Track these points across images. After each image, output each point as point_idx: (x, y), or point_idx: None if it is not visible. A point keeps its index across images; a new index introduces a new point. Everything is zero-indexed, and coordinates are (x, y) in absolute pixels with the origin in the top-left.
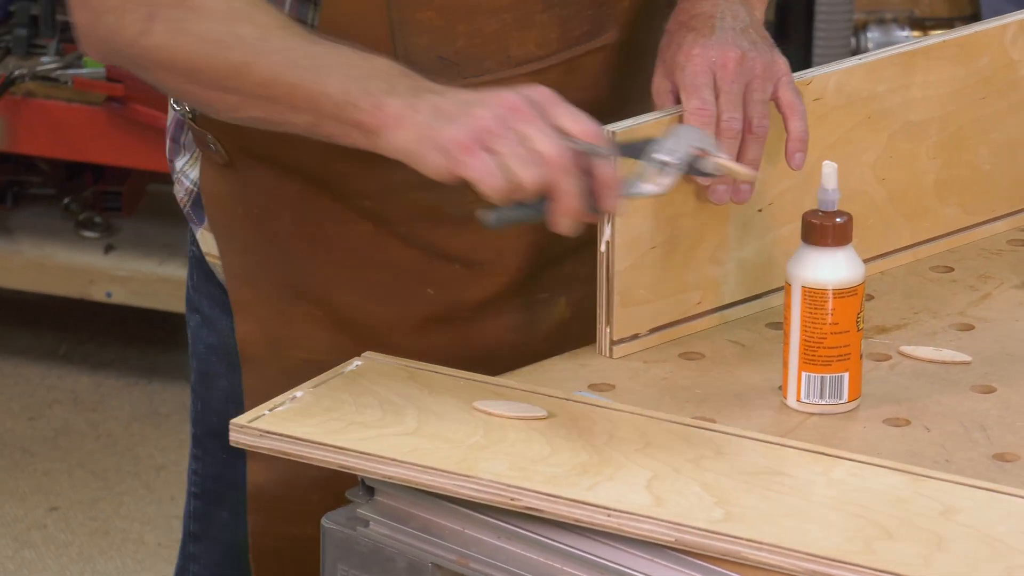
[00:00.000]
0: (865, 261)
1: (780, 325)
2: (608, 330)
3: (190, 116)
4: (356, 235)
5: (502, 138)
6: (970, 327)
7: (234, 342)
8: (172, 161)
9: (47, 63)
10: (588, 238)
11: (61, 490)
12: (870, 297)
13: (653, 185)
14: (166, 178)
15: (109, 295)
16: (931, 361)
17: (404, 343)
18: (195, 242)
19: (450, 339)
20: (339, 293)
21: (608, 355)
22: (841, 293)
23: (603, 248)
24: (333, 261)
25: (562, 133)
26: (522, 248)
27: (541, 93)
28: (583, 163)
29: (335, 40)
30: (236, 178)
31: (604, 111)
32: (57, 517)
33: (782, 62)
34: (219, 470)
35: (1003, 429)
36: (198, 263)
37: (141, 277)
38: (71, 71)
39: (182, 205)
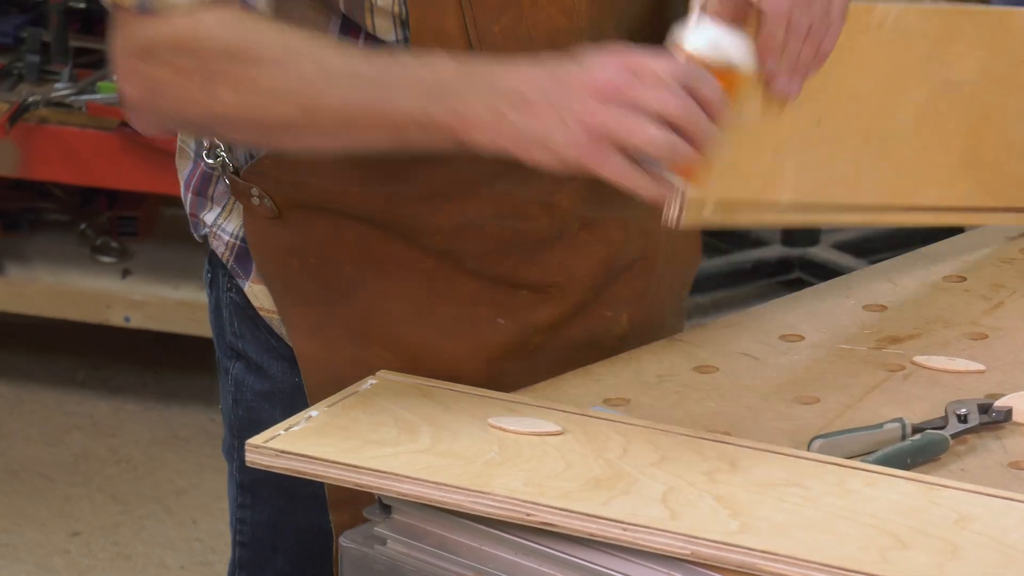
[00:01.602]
0: (887, 210)
1: (792, 337)
2: (678, 202)
3: (231, 170)
4: (421, 273)
5: (612, 123)
6: (983, 336)
7: (289, 384)
8: (197, 216)
9: (60, 89)
10: (643, 253)
11: (82, 515)
12: (882, 308)
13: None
14: (180, 202)
15: (127, 320)
16: (945, 371)
17: (476, 375)
18: (233, 289)
19: (521, 366)
20: (408, 332)
21: (674, 224)
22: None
23: None
24: (399, 301)
25: (658, 80)
26: (590, 267)
27: (611, 55)
28: (694, 95)
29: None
30: (288, 230)
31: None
32: (79, 542)
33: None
34: (272, 517)
35: (1018, 437)
36: (238, 309)
37: (158, 301)
38: (84, 97)
39: (224, 260)
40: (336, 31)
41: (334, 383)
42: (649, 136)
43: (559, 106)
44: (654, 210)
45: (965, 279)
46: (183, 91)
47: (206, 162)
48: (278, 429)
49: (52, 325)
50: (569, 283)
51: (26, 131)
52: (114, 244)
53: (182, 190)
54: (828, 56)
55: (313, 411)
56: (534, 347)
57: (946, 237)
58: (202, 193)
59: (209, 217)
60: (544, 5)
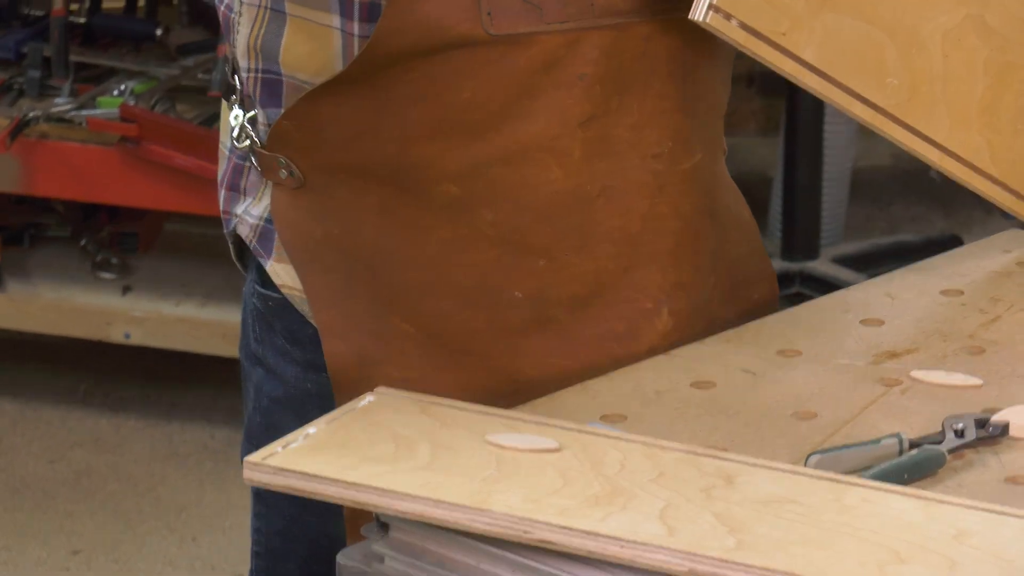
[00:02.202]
0: (898, 123)
1: (789, 352)
2: None
3: (259, 145)
4: (438, 239)
5: None
6: (981, 350)
7: (300, 390)
8: (228, 212)
9: (61, 104)
10: (684, 238)
11: (84, 532)
12: (880, 322)
13: None
14: (181, 218)
15: (127, 336)
16: (942, 385)
17: (500, 354)
18: (255, 295)
19: (547, 347)
20: (427, 302)
21: (703, 19)
22: None
23: None
24: (417, 269)
25: None
26: (610, 237)
27: None
28: None
29: None
30: (311, 199)
31: (687, 89)
32: (80, 560)
33: None
34: (285, 525)
35: (1015, 452)
36: (259, 315)
37: (159, 317)
38: (85, 112)
39: (248, 242)
40: None
41: (355, 355)
42: None
43: None
44: (686, 184)
45: (963, 293)
46: None
47: (236, 147)
48: (276, 446)
49: (53, 341)
50: (586, 252)
51: (27, 146)
52: (115, 260)
53: (218, 193)
54: None
55: (311, 428)
56: (557, 325)
57: (944, 251)
58: (234, 187)
59: (240, 208)
60: None
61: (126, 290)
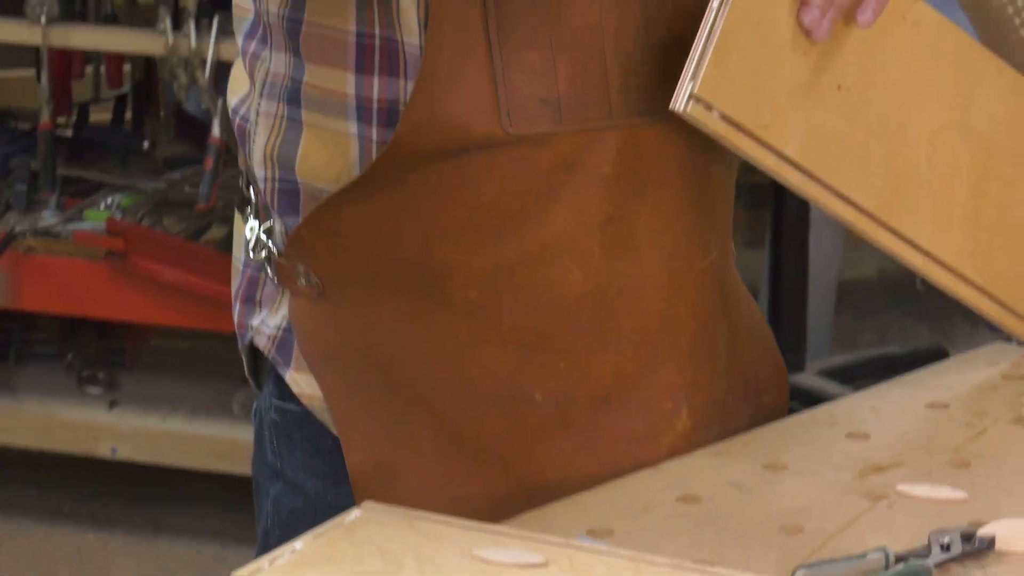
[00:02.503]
0: (880, 225)
1: (776, 466)
2: (692, 84)
3: (276, 255)
4: (458, 343)
5: None
6: (967, 464)
7: (322, 503)
8: (244, 325)
9: (48, 218)
10: (701, 337)
11: None
12: (866, 436)
13: None
14: (168, 332)
15: (114, 451)
16: (928, 499)
17: (521, 457)
18: (272, 408)
19: (569, 449)
20: (447, 406)
21: (683, 109)
22: None
23: (717, 2)
24: (437, 373)
25: None
26: (629, 338)
27: None
28: None
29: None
30: (329, 308)
31: (703, 188)
32: None
33: None
34: None
35: (1001, 565)
36: (276, 428)
37: (145, 432)
38: (72, 226)
39: (266, 352)
40: (353, 55)
41: (375, 463)
42: None
43: None
44: (702, 283)
45: (948, 406)
46: None
47: (251, 259)
48: (263, 561)
49: (39, 456)
50: (605, 352)
51: (13, 260)
52: (101, 375)
53: (233, 306)
54: (871, 19)
55: (298, 543)
56: (578, 427)
57: (930, 364)
58: (250, 299)
59: (256, 320)
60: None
61: (113, 405)
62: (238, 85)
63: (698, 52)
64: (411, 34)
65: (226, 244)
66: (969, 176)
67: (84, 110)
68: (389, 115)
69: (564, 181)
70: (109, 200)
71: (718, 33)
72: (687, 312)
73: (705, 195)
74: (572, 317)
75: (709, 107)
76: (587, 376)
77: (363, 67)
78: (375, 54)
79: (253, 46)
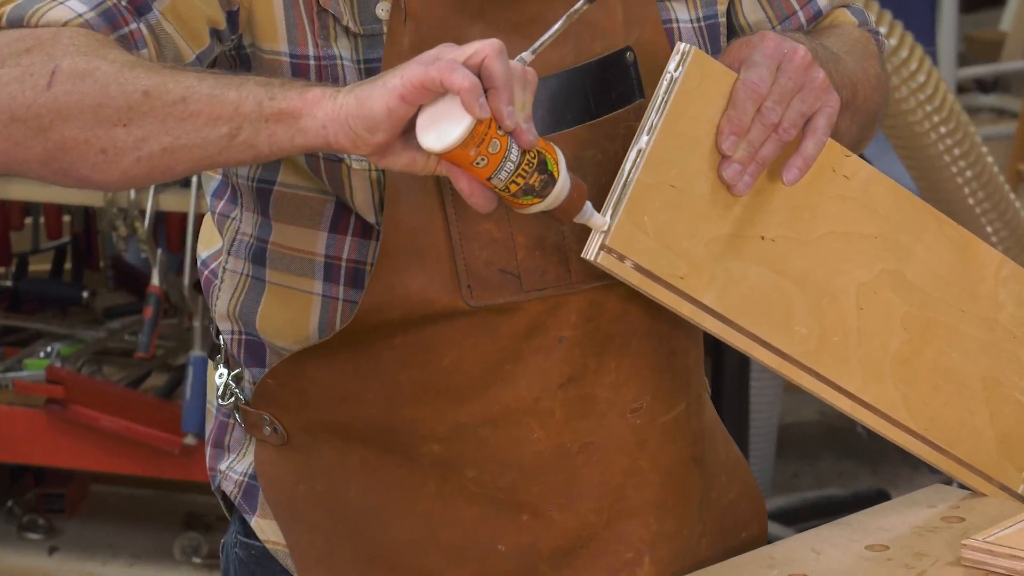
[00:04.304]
0: (808, 372)
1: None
2: (602, 236)
3: (243, 402)
4: (424, 497)
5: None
6: None
7: None
8: (214, 468)
9: None
10: (667, 490)
11: None
12: None
13: None
14: (108, 478)
15: None
16: None
17: None
18: (238, 544)
19: None
20: (412, 560)
21: (594, 259)
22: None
23: (634, 154)
24: (402, 527)
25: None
26: (592, 493)
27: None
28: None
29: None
30: (295, 457)
31: (665, 345)
32: None
33: (836, 96)
34: None
35: None
36: (241, 564)
37: None
38: (11, 374)
39: (232, 498)
40: (330, 216)
41: None
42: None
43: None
44: (668, 436)
45: (888, 548)
46: (23, 85)
47: (221, 404)
48: None
49: None
50: (570, 507)
51: None
52: (41, 521)
53: (205, 449)
54: (797, 178)
55: None
56: None
57: (871, 506)
58: (219, 444)
59: (223, 464)
60: None
61: (53, 551)
62: (209, 238)
63: (612, 203)
64: (367, 214)
65: (166, 392)
66: (905, 326)
67: (23, 261)
68: (355, 275)
69: (525, 346)
70: (49, 348)
71: (632, 186)
72: (651, 466)
73: (668, 351)
74: (535, 473)
75: (622, 258)
76: (551, 529)
77: (337, 227)
78: (351, 216)
79: (221, 205)
